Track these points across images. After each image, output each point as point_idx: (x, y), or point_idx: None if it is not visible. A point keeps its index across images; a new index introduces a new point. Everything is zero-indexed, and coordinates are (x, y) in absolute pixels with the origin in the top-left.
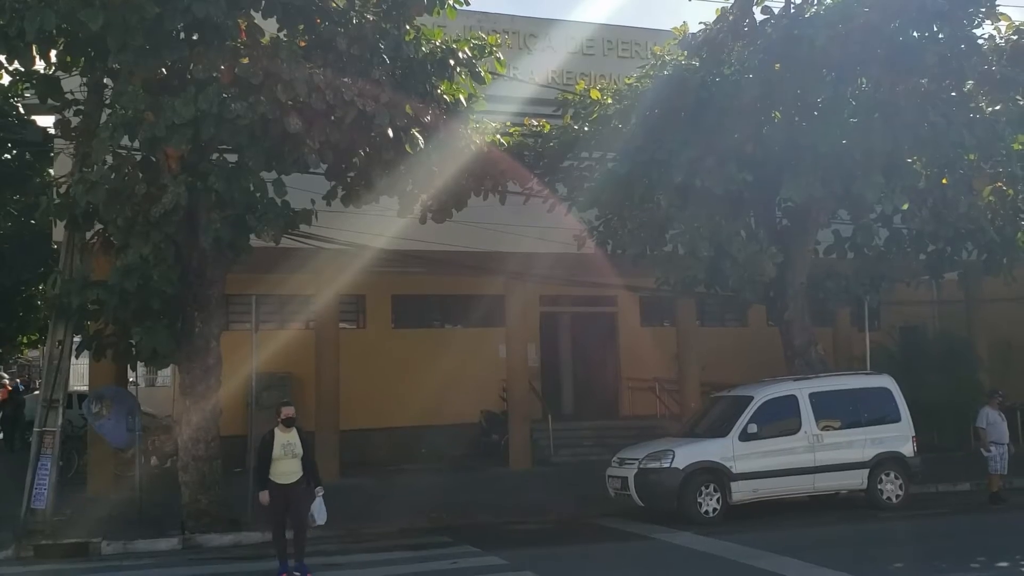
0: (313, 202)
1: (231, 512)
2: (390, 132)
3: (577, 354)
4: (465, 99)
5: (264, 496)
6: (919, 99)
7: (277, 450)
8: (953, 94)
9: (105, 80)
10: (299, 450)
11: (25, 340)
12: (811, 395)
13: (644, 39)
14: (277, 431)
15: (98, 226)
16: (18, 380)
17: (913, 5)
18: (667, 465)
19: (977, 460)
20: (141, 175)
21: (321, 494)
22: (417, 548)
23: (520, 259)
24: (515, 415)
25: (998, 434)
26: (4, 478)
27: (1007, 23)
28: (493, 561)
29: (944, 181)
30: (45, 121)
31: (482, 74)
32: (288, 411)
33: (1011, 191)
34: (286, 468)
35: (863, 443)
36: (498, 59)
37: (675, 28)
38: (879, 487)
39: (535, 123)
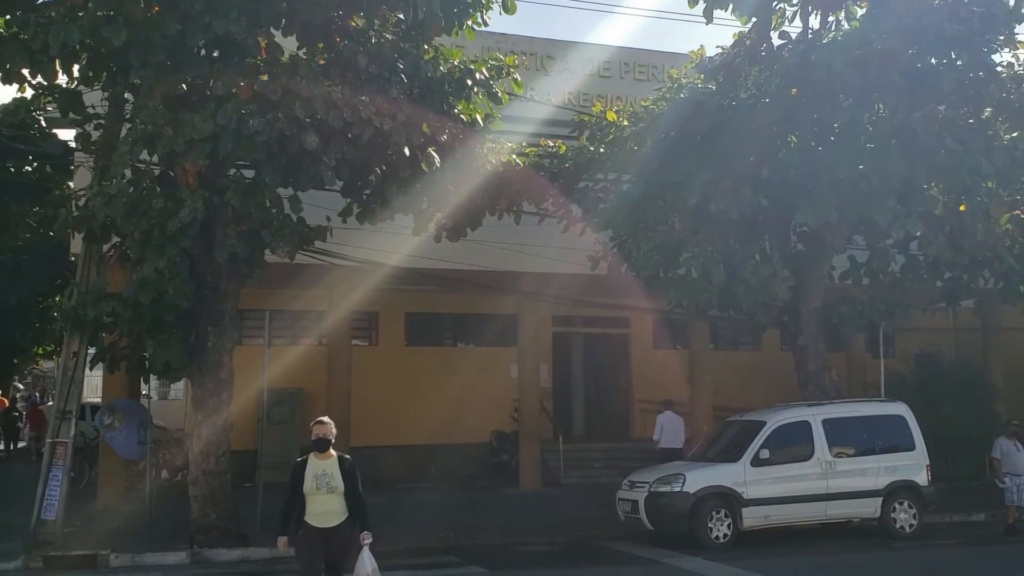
0: (328, 219)
1: (240, 527)
2: (406, 150)
3: (589, 375)
4: (482, 119)
5: (280, 542)
6: (936, 125)
7: (308, 483)
8: (971, 121)
9: (126, 95)
10: (337, 483)
11: (40, 351)
12: (824, 421)
13: (661, 62)
14: (311, 457)
15: (115, 239)
16: (37, 393)
17: (931, 31)
18: (678, 489)
19: (992, 490)
20: (159, 189)
21: (368, 542)
22: (425, 568)
23: (534, 279)
24: (526, 435)
25: (1013, 465)
26: (13, 488)
27: None
28: None
29: (961, 208)
30: (66, 135)
31: (499, 94)
32: (321, 430)
33: None
34: (321, 506)
35: (876, 471)
36: (515, 80)
37: (692, 52)
38: (892, 516)
39: (551, 144)
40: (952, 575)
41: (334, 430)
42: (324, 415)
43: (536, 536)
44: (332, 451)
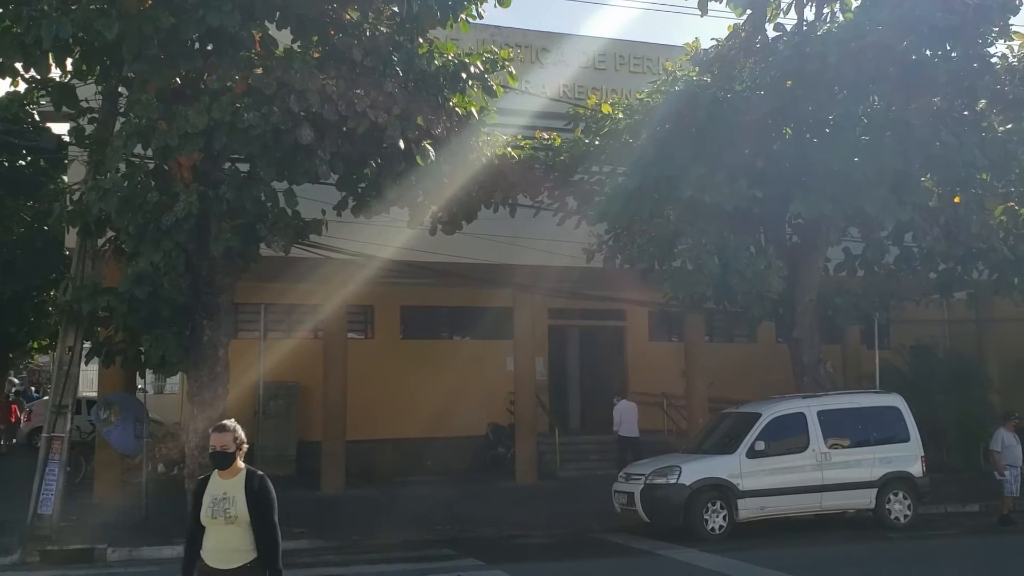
0: (324, 212)
1: None
2: (401, 144)
3: (585, 368)
4: (477, 112)
5: None
6: (931, 117)
7: (205, 508)
8: (965, 113)
9: (120, 89)
10: (239, 510)
11: (36, 345)
12: (819, 413)
13: (656, 55)
14: (214, 475)
15: (110, 233)
16: (32, 388)
17: (925, 24)
18: (674, 481)
19: (986, 481)
20: (153, 183)
21: None
22: (420, 560)
23: (529, 272)
24: (521, 428)
25: (1013, 457)
26: (9, 482)
27: (1020, 41)
28: (496, 575)
29: (956, 200)
30: (60, 128)
31: (494, 87)
32: (219, 439)
33: (1023, 210)
34: (218, 541)
35: (871, 462)
36: (510, 73)
37: (687, 44)
38: (887, 507)
39: (546, 136)
40: (947, 565)
41: (241, 437)
42: (320, 408)
43: (532, 528)
44: (241, 465)
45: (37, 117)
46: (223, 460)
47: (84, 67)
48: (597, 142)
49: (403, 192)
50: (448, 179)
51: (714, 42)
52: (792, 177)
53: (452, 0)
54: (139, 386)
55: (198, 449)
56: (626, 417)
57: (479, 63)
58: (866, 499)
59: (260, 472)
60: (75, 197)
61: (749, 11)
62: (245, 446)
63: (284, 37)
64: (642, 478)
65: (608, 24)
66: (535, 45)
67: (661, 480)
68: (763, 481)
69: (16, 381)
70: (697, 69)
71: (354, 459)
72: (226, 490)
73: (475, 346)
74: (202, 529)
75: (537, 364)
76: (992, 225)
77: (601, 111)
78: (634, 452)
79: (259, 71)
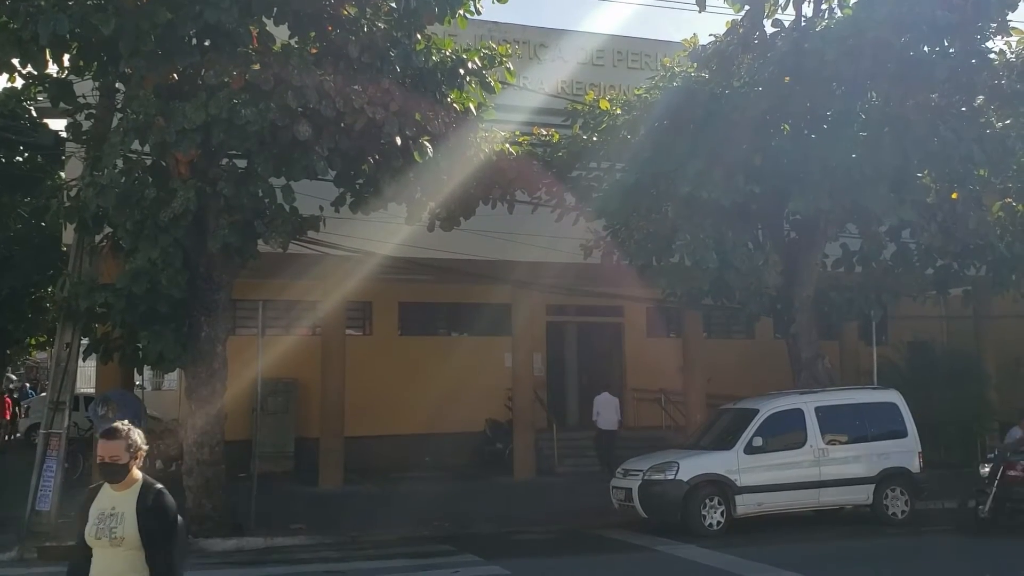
0: (321, 208)
1: (234, 517)
2: (399, 140)
3: (583, 364)
4: (475, 108)
5: None
6: (929, 114)
7: (90, 525)
8: (963, 109)
9: (117, 85)
10: (126, 530)
11: (33, 342)
12: (817, 409)
13: (654, 51)
14: (104, 486)
15: (107, 230)
16: (26, 384)
17: (924, 20)
18: (671, 477)
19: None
20: (151, 179)
21: None
22: (419, 556)
23: (527, 268)
24: (520, 424)
25: None
26: (7, 479)
27: (1018, 37)
28: (495, 571)
29: (954, 196)
30: (57, 125)
31: (492, 83)
32: (106, 448)
33: (1020, 207)
34: (100, 566)
35: (869, 458)
36: (508, 69)
37: (685, 40)
38: (884, 503)
39: (544, 132)
40: (944, 561)
41: (136, 443)
42: (318, 405)
43: (531, 524)
44: (137, 475)
45: (34, 113)
46: (113, 474)
47: (81, 63)
48: (595, 138)
49: (401, 188)
50: (446, 175)
51: (712, 38)
52: (790, 173)
53: None
54: (137, 383)
55: (196, 445)
56: (604, 409)
57: (477, 59)
58: (864, 495)
59: (159, 485)
60: (72, 193)
61: (747, 7)
62: (143, 452)
63: (281, 33)
64: (640, 474)
65: (606, 20)
66: (533, 41)
67: (659, 476)
68: (761, 477)
69: (14, 378)
70: (695, 65)
71: (352, 455)
72: (115, 505)
73: (473, 342)
74: (89, 551)
75: (535, 360)
76: (989, 222)
77: (599, 107)
78: (606, 445)
79: (256, 67)
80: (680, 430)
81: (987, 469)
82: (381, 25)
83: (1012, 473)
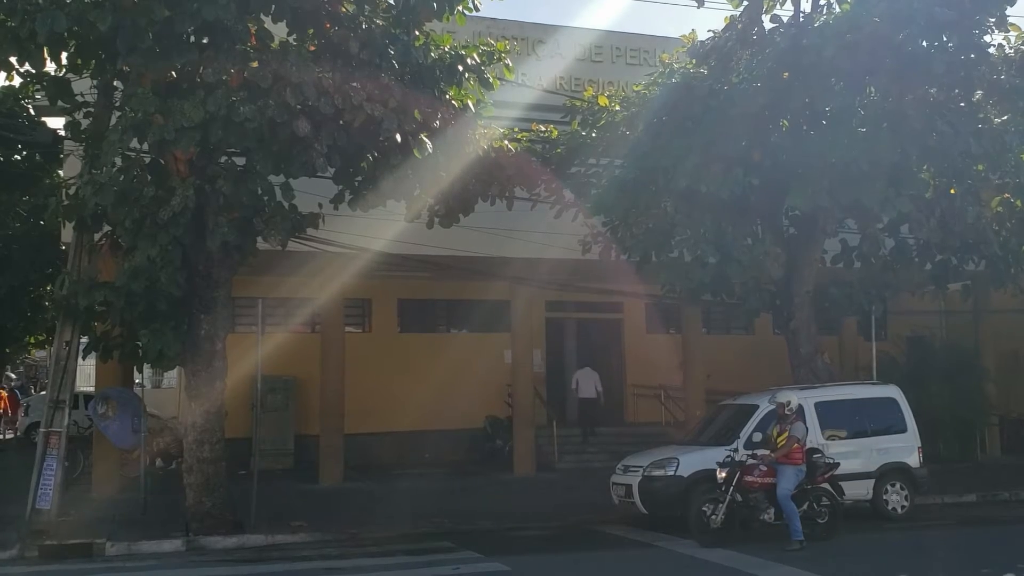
0: (320, 206)
1: (235, 514)
2: (398, 137)
3: (582, 360)
4: (473, 104)
5: None
6: (927, 109)
7: None
8: (961, 104)
9: (115, 82)
10: None
11: (32, 340)
12: (817, 404)
13: (652, 47)
14: None
15: (106, 228)
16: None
17: (922, 15)
18: (671, 473)
19: (984, 471)
20: (150, 177)
21: None
22: (419, 553)
23: (526, 264)
24: (519, 421)
25: None
26: (7, 477)
27: (1016, 32)
28: (495, 567)
29: (952, 191)
30: (55, 123)
31: (490, 80)
32: None
33: (1019, 202)
34: None
35: (868, 453)
36: (506, 65)
37: (683, 36)
38: (884, 498)
39: (543, 129)
40: (943, 556)
41: None
42: (318, 402)
43: (530, 521)
44: None
45: (32, 111)
46: None
47: (79, 61)
48: (594, 134)
49: (400, 185)
50: (445, 172)
51: (711, 34)
52: (789, 169)
53: None
54: (136, 380)
55: (196, 443)
56: (583, 380)
57: (475, 55)
58: (863, 490)
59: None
60: (71, 191)
61: (745, 3)
62: None
63: (280, 30)
64: (640, 470)
65: (604, 16)
66: (531, 37)
67: (659, 472)
68: None
69: (13, 376)
70: (694, 61)
71: (352, 452)
72: None
73: (472, 339)
74: None
75: (534, 356)
76: (988, 217)
77: (598, 103)
78: (589, 413)
79: (255, 64)
80: (680, 426)
81: (723, 475)
82: (379, 22)
83: (749, 479)
